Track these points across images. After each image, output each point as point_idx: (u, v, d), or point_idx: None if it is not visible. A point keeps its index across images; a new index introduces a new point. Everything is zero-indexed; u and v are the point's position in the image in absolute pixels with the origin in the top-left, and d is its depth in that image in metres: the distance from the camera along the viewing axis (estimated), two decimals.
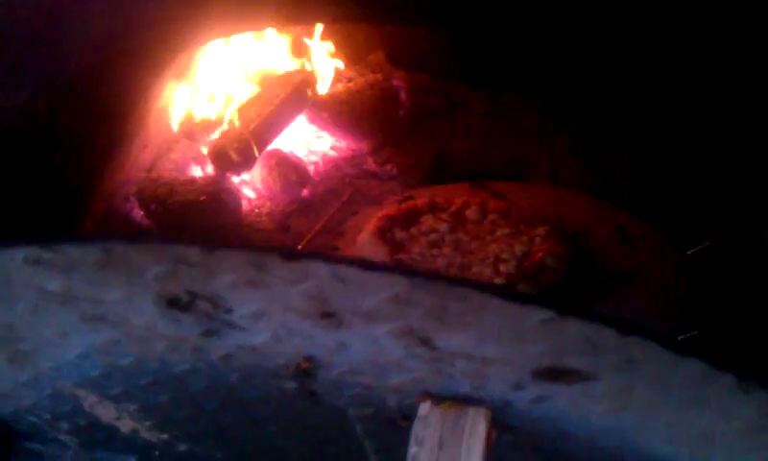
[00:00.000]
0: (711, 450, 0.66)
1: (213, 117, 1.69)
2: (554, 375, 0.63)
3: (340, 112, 1.82)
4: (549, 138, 1.80)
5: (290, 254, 0.56)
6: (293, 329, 0.66)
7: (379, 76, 1.92)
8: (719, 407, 0.62)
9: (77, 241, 0.61)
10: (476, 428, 0.69)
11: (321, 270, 0.56)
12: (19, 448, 1.08)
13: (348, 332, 0.64)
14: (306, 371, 0.73)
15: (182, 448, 1.01)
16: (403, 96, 1.92)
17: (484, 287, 0.55)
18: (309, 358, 0.70)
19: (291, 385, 0.77)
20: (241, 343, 0.70)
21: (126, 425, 1.01)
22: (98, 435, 1.02)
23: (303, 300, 0.60)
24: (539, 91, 1.88)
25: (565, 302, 0.55)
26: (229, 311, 0.65)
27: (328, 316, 0.62)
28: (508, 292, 0.55)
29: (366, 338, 0.64)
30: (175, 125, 1.64)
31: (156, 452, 1.08)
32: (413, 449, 0.69)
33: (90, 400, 0.96)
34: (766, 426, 0.62)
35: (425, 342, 0.62)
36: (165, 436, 1.00)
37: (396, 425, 0.79)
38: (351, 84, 1.89)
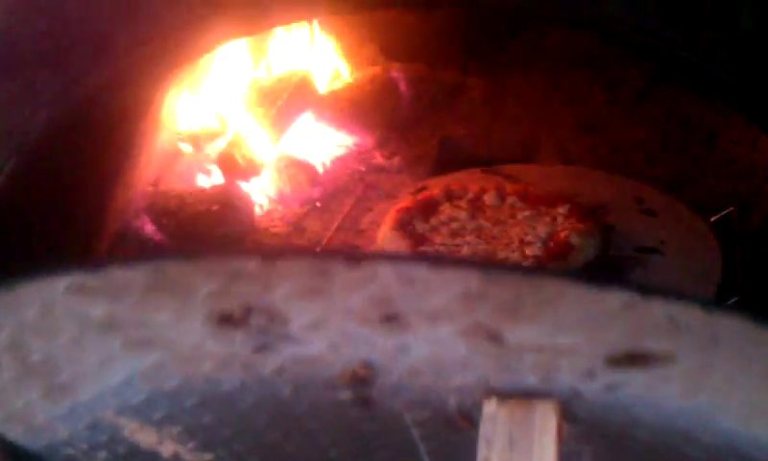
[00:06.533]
0: None
1: (216, 125, 1.66)
2: (630, 360, 0.60)
3: (342, 109, 1.79)
4: (555, 117, 1.78)
5: (356, 258, 0.53)
6: (351, 336, 0.63)
7: (378, 69, 1.89)
8: None
9: (126, 264, 0.58)
10: (547, 423, 0.66)
11: (387, 271, 0.54)
12: None
13: (410, 335, 0.62)
14: (363, 378, 0.70)
15: None
16: (402, 87, 1.89)
17: (561, 275, 0.52)
18: (367, 365, 0.68)
19: (346, 394, 0.74)
20: (295, 354, 0.68)
21: (167, 449, 0.98)
22: None
23: (365, 304, 0.58)
24: (540, 69, 1.86)
25: (646, 284, 0.53)
26: (286, 323, 0.62)
27: (390, 319, 0.60)
28: (586, 278, 0.52)
29: (429, 339, 0.62)
30: (179, 135, 1.61)
31: None
32: (482, 452, 0.67)
33: (131, 428, 0.94)
34: None
35: (494, 337, 0.60)
36: (209, 457, 0.97)
37: (455, 427, 0.77)
38: (351, 80, 1.86)
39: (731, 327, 0.55)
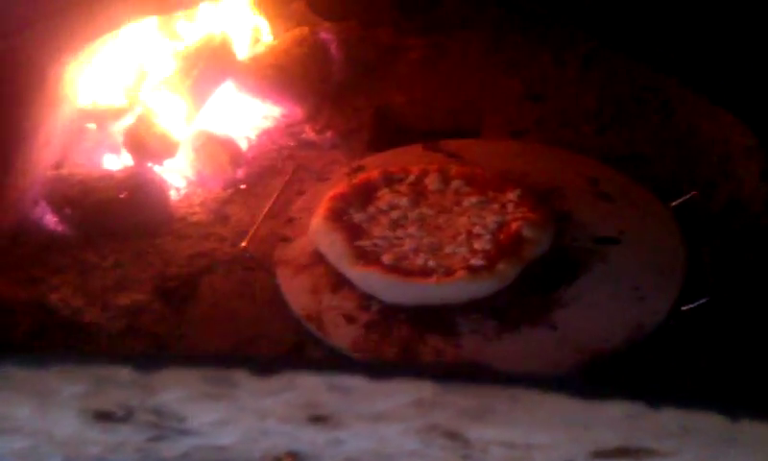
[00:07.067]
0: None
1: (126, 101, 1.48)
2: (621, 453, 0.48)
3: (267, 76, 1.62)
4: (500, 82, 1.65)
5: (265, 367, 0.39)
6: (269, 432, 0.49)
7: (305, 30, 1.72)
8: None
9: None
10: None
11: (311, 382, 0.40)
12: None
13: (346, 431, 0.48)
14: None
15: None
16: (334, 50, 1.73)
17: (545, 384, 0.39)
18: (292, 454, 0.54)
19: None
20: (201, 444, 0.54)
21: None
22: None
23: (285, 407, 0.44)
24: (482, 31, 1.73)
25: (659, 388, 0.40)
26: (182, 421, 0.48)
27: (320, 419, 0.46)
28: (581, 388, 0.39)
29: (370, 436, 0.49)
30: (83, 113, 1.42)
31: None
32: None
33: None
34: None
35: (453, 436, 0.47)
36: None
37: None
38: (276, 43, 1.69)
39: (753, 430, 0.43)
